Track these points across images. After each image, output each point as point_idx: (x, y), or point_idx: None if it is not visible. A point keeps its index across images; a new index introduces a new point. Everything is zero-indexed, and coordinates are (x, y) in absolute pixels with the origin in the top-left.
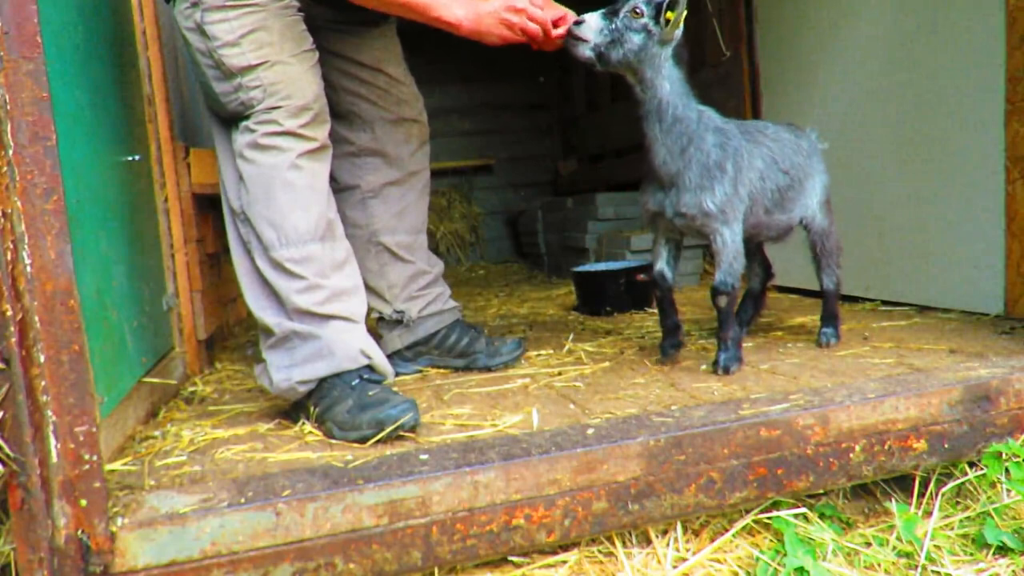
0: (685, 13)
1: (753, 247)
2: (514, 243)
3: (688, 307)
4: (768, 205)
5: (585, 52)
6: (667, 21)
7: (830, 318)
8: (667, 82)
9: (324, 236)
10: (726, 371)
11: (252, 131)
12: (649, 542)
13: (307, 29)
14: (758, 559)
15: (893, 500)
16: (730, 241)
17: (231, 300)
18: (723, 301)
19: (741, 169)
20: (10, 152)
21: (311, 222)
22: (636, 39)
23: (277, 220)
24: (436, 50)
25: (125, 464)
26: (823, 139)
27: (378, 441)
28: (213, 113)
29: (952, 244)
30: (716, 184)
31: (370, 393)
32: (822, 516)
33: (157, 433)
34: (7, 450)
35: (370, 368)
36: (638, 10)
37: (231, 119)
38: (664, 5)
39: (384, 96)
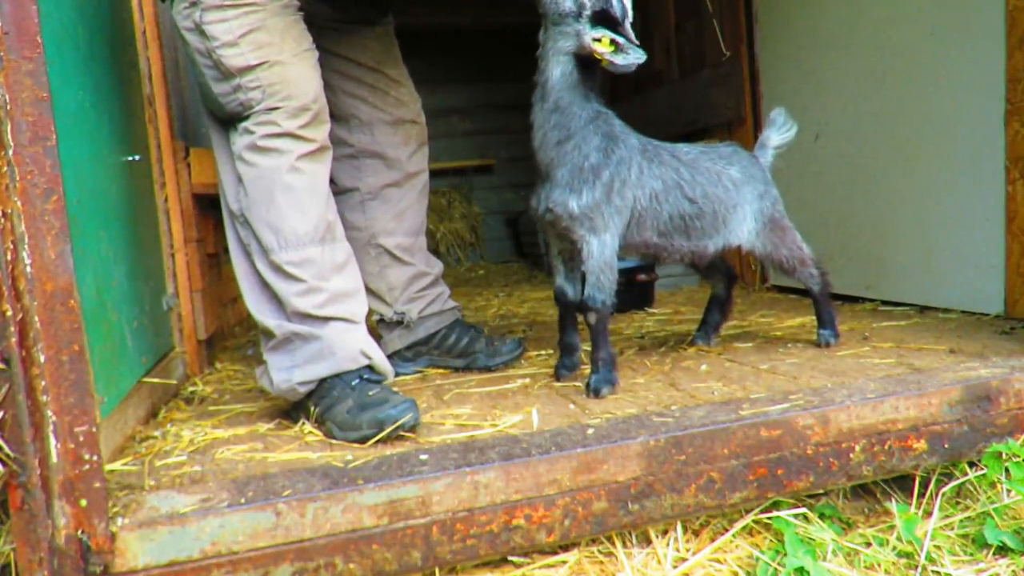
0: (614, 59)
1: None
2: (514, 243)
3: (688, 307)
4: (664, 229)
5: None
6: (597, 39)
7: (825, 319)
8: (557, 68)
9: (324, 238)
10: (596, 394)
11: (251, 133)
12: (649, 542)
13: (306, 28)
14: (758, 559)
15: (893, 500)
16: (597, 252)
17: (231, 300)
18: (592, 318)
19: (624, 181)
20: (10, 152)
21: (310, 225)
22: (567, 2)
23: (276, 223)
24: (436, 50)
25: (125, 464)
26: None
27: (378, 441)
28: (211, 114)
29: (952, 244)
30: (585, 187)
31: (370, 393)
32: (822, 516)
33: (157, 433)
34: (7, 450)
35: (370, 368)
36: None
37: (229, 120)
38: (609, 23)
39: (383, 97)
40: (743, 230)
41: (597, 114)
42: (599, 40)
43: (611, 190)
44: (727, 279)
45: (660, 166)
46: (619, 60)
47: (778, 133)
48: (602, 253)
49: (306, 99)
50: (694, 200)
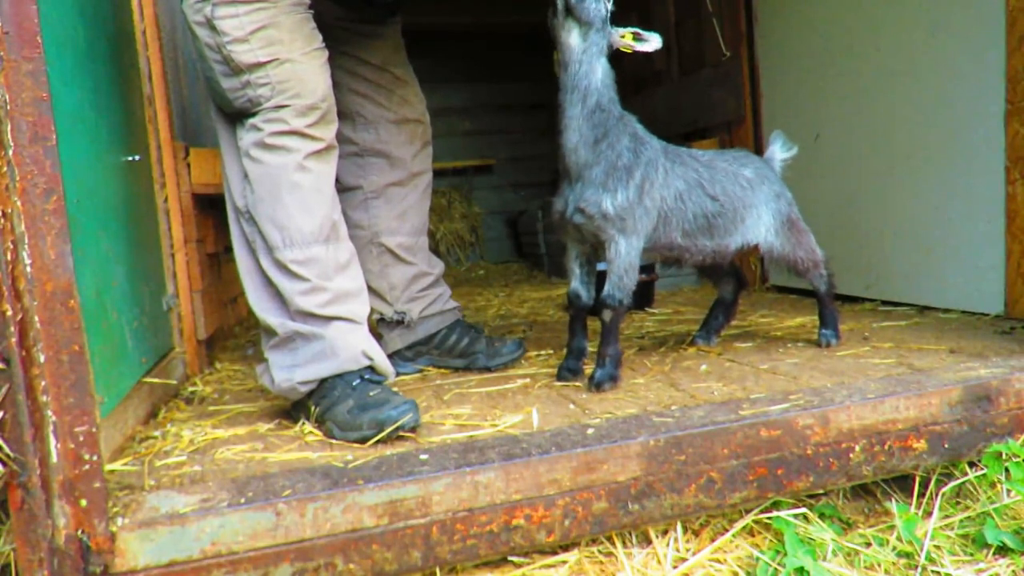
0: (640, 48)
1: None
2: (514, 243)
3: (688, 307)
4: (688, 228)
5: None
6: (622, 35)
7: (827, 319)
8: (599, 70)
9: (328, 238)
10: (598, 387)
11: (259, 130)
12: (649, 542)
13: (316, 27)
14: (758, 559)
15: (893, 500)
16: (624, 252)
17: (231, 300)
18: (608, 316)
19: (652, 183)
20: (10, 152)
21: (316, 224)
22: (592, 5)
23: (283, 221)
24: (437, 50)
25: (125, 464)
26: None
27: (378, 441)
28: (217, 109)
29: (952, 244)
30: (620, 187)
31: (371, 394)
32: (822, 516)
33: (157, 433)
34: (7, 450)
35: (371, 369)
36: None
37: (237, 116)
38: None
39: (389, 96)
40: (761, 228)
41: (622, 115)
42: (623, 36)
43: (642, 191)
44: (736, 284)
45: (681, 166)
46: (641, 47)
47: (782, 150)
48: (628, 254)
49: (315, 98)
50: (716, 198)
